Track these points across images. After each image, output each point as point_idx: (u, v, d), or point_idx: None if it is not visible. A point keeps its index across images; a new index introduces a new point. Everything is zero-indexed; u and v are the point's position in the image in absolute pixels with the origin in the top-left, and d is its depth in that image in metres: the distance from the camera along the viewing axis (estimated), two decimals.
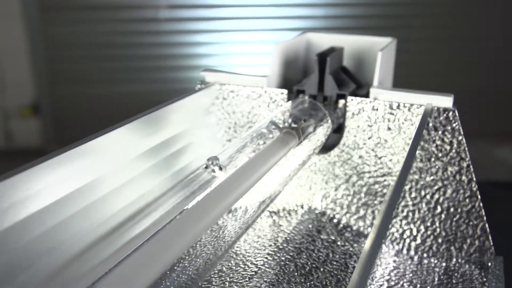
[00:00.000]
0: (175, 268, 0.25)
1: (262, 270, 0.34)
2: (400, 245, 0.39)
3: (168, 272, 0.24)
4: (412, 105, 0.37)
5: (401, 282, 0.35)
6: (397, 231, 0.39)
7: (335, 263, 0.36)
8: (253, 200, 0.30)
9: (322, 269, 0.35)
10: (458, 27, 1.61)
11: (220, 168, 0.26)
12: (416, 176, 0.38)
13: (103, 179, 0.30)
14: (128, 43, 1.63)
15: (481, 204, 0.37)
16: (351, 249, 0.38)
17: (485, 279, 0.36)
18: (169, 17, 1.60)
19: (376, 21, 1.59)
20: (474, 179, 0.37)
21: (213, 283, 0.33)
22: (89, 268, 0.26)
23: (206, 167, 0.26)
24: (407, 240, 0.39)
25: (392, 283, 0.35)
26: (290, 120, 0.36)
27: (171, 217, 0.25)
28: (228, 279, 0.34)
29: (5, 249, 0.24)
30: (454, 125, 0.36)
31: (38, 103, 1.70)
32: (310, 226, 0.40)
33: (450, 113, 0.36)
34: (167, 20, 1.60)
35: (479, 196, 0.37)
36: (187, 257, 0.25)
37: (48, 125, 1.70)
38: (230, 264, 0.35)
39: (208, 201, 0.25)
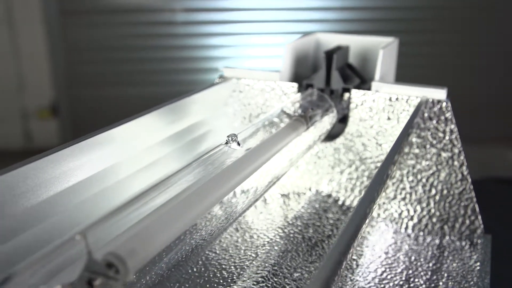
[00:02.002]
0: (194, 228, 0.30)
1: (273, 241, 0.40)
2: (399, 224, 0.44)
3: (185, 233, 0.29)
4: (409, 97, 0.42)
5: (398, 255, 0.40)
6: (396, 211, 0.44)
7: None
8: (263, 177, 0.35)
9: (326, 242, 0.40)
10: (467, 31, 1.65)
11: (238, 144, 0.32)
12: (413, 162, 0.43)
13: (133, 158, 0.36)
14: (144, 46, 1.69)
15: (471, 187, 0.42)
16: None
17: (473, 253, 0.40)
18: (185, 20, 1.66)
19: (384, 25, 1.64)
20: (465, 164, 0.42)
21: (229, 251, 0.39)
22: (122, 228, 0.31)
23: (226, 143, 0.32)
24: (405, 220, 0.44)
25: (389, 255, 0.40)
26: (299, 109, 0.41)
27: (197, 185, 0.31)
28: (243, 248, 0.39)
29: (55, 210, 0.29)
30: (447, 115, 0.41)
31: (57, 104, 1.77)
32: (317, 206, 0.45)
33: (444, 104, 0.41)
34: (183, 23, 1.66)
35: (469, 179, 0.42)
36: (202, 223, 0.31)
37: (66, 126, 1.76)
38: (245, 236, 0.41)
39: (226, 173, 0.30)
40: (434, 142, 0.42)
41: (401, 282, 0.37)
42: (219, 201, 0.29)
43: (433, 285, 0.37)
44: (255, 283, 0.35)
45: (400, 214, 0.44)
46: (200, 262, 0.37)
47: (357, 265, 0.38)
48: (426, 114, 0.42)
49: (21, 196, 0.27)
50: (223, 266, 0.37)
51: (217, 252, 0.39)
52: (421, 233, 0.43)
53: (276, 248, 0.39)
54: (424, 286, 0.36)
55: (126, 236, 0.23)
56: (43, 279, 0.21)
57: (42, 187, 0.29)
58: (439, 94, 0.41)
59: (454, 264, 0.39)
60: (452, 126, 0.41)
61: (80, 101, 1.74)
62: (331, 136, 0.45)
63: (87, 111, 1.74)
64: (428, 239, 0.43)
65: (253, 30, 1.65)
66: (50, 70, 1.74)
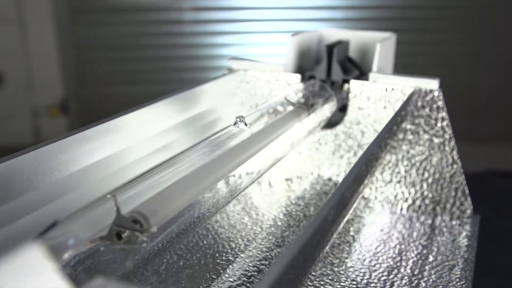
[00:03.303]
0: (201, 200, 0.34)
1: (277, 217, 0.44)
2: (394, 206, 0.48)
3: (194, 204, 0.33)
4: (404, 87, 0.46)
5: (392, 232, 0.44)
6: (392, 193, 0.48)
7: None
8: (266, 157, 0.39)
9: None
10: (472, 31, 1.68)
11: (245, 124, 0.36)
12: (407, 147, 0.47)
13: (148, 140, 0.40)
14: (152, 44, 1.74)
15: (462, 170, 0.46)
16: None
17: (462, 231, 0.44)
18: (192, 19, 1.71)
19: (390, 24, 1.67)
20: (456, 149, 0.46)
21: (237, 226, 0.43)
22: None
23: (235, 123, 0.36)
24: (400, 201, 0.48)
25: (384, 232, 0.44)
26: (302, 98, 0.45)
27: (209, 159, 0.35)
28: (249, 224, 0.43)
29: (83, 182, 0.34)
30: (439, 103, 0.45)
31: (66, 102, 1.82)
32: (318, 188, 0.49)
33: (435, 93, 0.45)
34: (190, 22, 1.71)
35: (459, 163, 0.46)
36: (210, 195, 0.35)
37: (75, 123, 1.81)
38: (251, 214, 0.45)
39: (235, 151, 0.35)
40: (427, 128, 0.46)
41: (393, 255, 0.41)
42: (228, 174, 0.33)
43: (423, 257, 0.41)
44: (260, 252, 0.39)
45: (395, 196, 0.48)
46: (210, 236, 0.41)
47: (354, 240, 0.42)
48: (419, 103, 0.46)
49: (54, 168, 0.32)
50: (231, 239, 0.41)
51: (226, 228, 0.43)
52: (415, 214, 0.47)
53: (279, 224, 0.43)
54: (415, 258, 0.40)
55: (148, 198, 0.27)
56: (79, 232, 0.25)
57: (71, 162, 0.33)
58: (432, 84, 0.45)
59: (444, 240, 0.43)
60: (444, 114, 0.45)
61: (89, 99, 1.79)
62: (331, 124, 0.49)
63: (96, 108, 1.79)
64: (421, 218, 0.46)
65: (260, 28, 1.69)
66: (59, 69, 1.79)
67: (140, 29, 1.73)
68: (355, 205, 0.36)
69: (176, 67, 1.75)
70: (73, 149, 0.34)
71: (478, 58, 1.69)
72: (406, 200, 0.48)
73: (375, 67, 0.48)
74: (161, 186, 0.29)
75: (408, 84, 0.46)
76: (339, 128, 0.49)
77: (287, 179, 0.51)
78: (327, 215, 0.25)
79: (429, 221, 0.46)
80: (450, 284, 0.38)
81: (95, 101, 1.79)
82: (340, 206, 0.29)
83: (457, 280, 0.38)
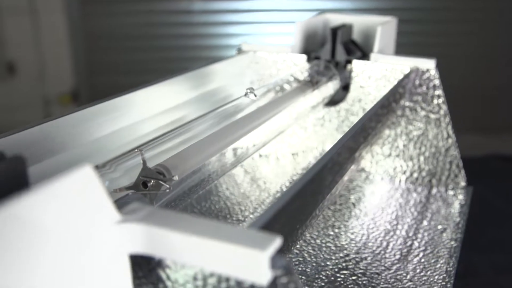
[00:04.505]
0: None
1: (284, 185, 0.48)
2: (393, 178, 0.52)
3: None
4: (403, 66, 0.50)
5: (390, 201, 0.48)
6: (391, 167, 0.52)
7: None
8: (272, 127, 0.43)
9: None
10: (481, 22, 1.71)
11: (255, 95, 0.40)
12: (406, 123, 0.51)
13: (162, 113, 0.44)
14: (162, 34, 1.78)
15: (456, 144, 0.50)
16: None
17: (456, 200, 0.48)
18: (202, 9, 1.75)
19: (400, 14, 1.70)
20: (451, 124, 0.50)
21: (246, 193, 0.47)
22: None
23: (245, 94, 0.40)
24: (399, 174, 0.52)
25: (383, 200, 0.48)
26: (307, 76, 0.49)
27: (220, 126, 0.39)
28: (257, 191, 0.47)
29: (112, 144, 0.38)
30: (435, 82, 0.49)
31: (77, 91, 1.87)
32: None
33: (432, 72, 0.49)
34: (200, 12, 1.75)
35: (454, 138, 0.50)
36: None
37: None
38: (259, 184, 0.49)
39: (245, 119, 0.39)
40: (424, 105, 0.50)
41: (390, 220, 0.45)
42: (237, 141, 0.38)
43: (418, 222, 0.45)
44: None
45: (394, 169, 0.52)
46: (222, 202, 0.46)
47: (354, 206, 0.46)
48: (417, 82, 0.50)
49: (90, 129, 0.36)
50: (241, 204, 0.45)
51: (236, 195, 0.47)
52: (412, 185, 0.51)
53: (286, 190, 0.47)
54: (410, 222, 0.45)
55: (169, 157, 0.32)
56: (112, 179, 0.29)
57: (95, 129, 0.38)
58: (429, 64, 0.49)
59: (438, 207, 0.47)
60: (440, 92, 0.49)
61: (99, 88, 1.84)
62: (335, 101, 0.53)
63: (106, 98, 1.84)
64: (418, 189, 0.51)
65: (270, 19, 1.73)
66: (70, 58, 1.84)
67: (150, 18, 1.77)
68: (350, 172, 0.41)
69: (186, 56, 1.79)
70: (93, 119, 0.38)
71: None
72: (404, 172, 0.52)
73: (376, 48, 0.52)
74: (180, 146, 0.33)
75: (407, 64, 0.50)
76: (342, 105, 0.53)
77: (293, 154, 0.55)
78: (327, 162, 0.29)
79: (425, 192, 0.50)
80: (441, 245, 0.42)
81: (106, 89, 1.84)
82: (344, 151, 0.33)
83: (448, 241, 0.42)
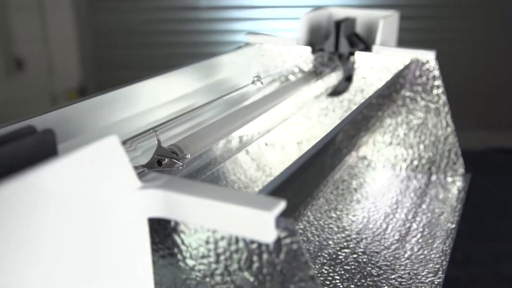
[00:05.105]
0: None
1: None
2: (394, 165, 0.54)
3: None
4: (404, 58, 0.52)
5: (390, 187, 0.51)
6: (392, 155, 0.54)
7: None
8: (277, 113, 0.46)
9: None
10: (489, 18, 1.73)
11: (261, 83, 0.42)
12: (406, 112, 0.53)
13: (169, 103, 0.47)
14: (169, 30, 1.81)
15: (455, 133, 0.52)
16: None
17: (453, 186, 0.51)
18: (209, 5, 1.77)
19: (404, 11, 1.72)
20: (450, 113, 0.52)
21: (252, 178, 0.50)
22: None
23: (253, 82, 0.42)
24: (400, 162, 0.54)
25: (384, 186, 0.50)
26: (311, 67, 0.52)
27: (229, 111, 0.41)
28: (264, 176, 0.50)
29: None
30: (435, 72, 0.51)
31: (84, 87, 1.90)
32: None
33: (431, 63, 0.51)
34: (207, 8, 1.77)
35: (453, 127, 0.52)
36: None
37: None
38: (265, 170, 0.51)
39: (252, 106, 0.41)
40: (424, 95, 0.52)
41: (391, 204, 0.47)
42: (245, 125, 0.40)
43: (417, 206, 0.47)
44: None
45: (395, 157, 0.54)
46: (229, 186, 0.48)
47: (356, 191, 0.49)
48: (417, 72, 0.52)
49: (101, 117, 0.39)
50: (247, 187, 0.48)
51: (242, 180, 0.50)
52: (412, 173, 0.54)
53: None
54: (409, 207, 0.47)
55: (182, 137, 0.34)
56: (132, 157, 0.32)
57: (107, 115, 0.40)
58: (428, 55, 0.51)
59: (437, 192, 0.49)
60: (439, 82, 0.51)
61: (106, 83, 1.87)
62: (338, 92, 0.56)
63: None
64: (418, 176, 0.53)
65: (277, 15, 1.75)
66: (78, 54, 1.87)
67: (157, 15, 1.80)
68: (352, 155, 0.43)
69: (192, 52, 1.82)
70: (103, 107, 0.40)
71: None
72: (405, 160, 0.54)
73: (378, 40, 0.54)
74: (191, 129, 0.36)
75: (408, 55, 0.52)
76: (345, 95, 0.56)
77: (298, 142, 0.58)
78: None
79: (425, 179, 0.53)
80: (439, 226, 0.44)
81: (113, 85, 1.87)
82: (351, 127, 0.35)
83: (445, 223, 0.44)
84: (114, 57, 1.85)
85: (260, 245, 0.23)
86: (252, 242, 0.23)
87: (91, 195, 0.22)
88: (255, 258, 0.23)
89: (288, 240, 0.22)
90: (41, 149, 0.23)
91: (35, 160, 0.22)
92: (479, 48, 1.72)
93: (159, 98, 0.46)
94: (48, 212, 0.20)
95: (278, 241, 0.22)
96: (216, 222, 0.23)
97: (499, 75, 1.72)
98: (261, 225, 0.22)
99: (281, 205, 0.22)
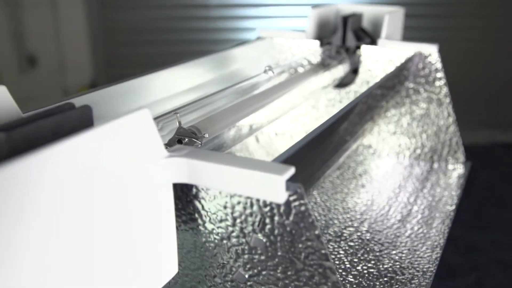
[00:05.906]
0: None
1: None
2: (398, 154, 0.57)
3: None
4: (408, 51, 0.55)
5: (393, 173, 0.54)
6: (395, 143, 0.58)
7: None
8: (286, 102, 0.49)
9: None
10: (492, 17, 1.75)
11: (273, 72, 0.46)
12: (409, 103, 0.56)
13: (186, 91, 0.50)
14: (179, 28, 1.85)
15: (456, 123, 0.55)
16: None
17: (454, 173, 0.54)
18: (218, 3, 1.81)
19: (411, 9, 1.75)
20: (451, 104, 0.55)
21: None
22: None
23: (265, 71, 0.46)
24: (403, 150, 0.57)
25: (388, 172, 0.54)
26: (319, 59, 0.55)
27: (243, 98, 0.45)
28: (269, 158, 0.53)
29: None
30: (437, 65, 0.54)
31: (96, 83, 1.94)
32: None
33: (434, 56, 0.54)
34: (216, 6, 1.81)
35: (454, 116, 0.55)
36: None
37: None
38: (274, 156, 0.55)
39: (264, 94, 0.45)
40: (427, 86, 0.55)
41: (394, 188, 0.50)
42: (256, 111, 0.43)
43: (419, 190, 0.50)
44: None
45: (399, 146, 0.58)
46: None
47: (361, 177, 0.52)
48: (420, 65, 0.55)
49: (128, 101, 0.42)
50: None
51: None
52: (416, 161, 0.57)
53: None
54: (412, 191, 0.50)
55: (201, 119, 0.38)
56: None
57: (126, 102, 0.44)
58: (431, 48, 0.55)
59: (438, 178, 0.52)
60: (441, 74, 0.54)
61: (117, 80, 1.91)
62: (345, 83, 0.59)
63: None
64: (421, 164, 0.56)
65: (286, 13, 1.79)
66: (89, 51, 1.91)
67: (167, 12, 1.84)
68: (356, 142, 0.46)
69: (202, 50, 1.85)
70: (117, 97, 0.44)
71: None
72: (408, 149, 0.57)
73: (383, 34, 0.58)
74: (208, 112, 0.39)
75: (411, 49, 0.55)
76: (352, 87, 0.59)
77: (306, 132, 0.61)
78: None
79: (427, 166, 0.56)
80: (438, 209, 0.47)
81: None
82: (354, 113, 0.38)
83: (444, 205, 0.47)
84: (125, 54, 1.89)
85: (272, 208, 0.26)
86: (265, 205, 0.26)
87: (125, 161, 0.25)
88: (267, 220, 0.26)
89: (296, 203, 0.26)
90: (80, 121, 0.27)
91: (76, 130, 0.26)
92: (483, 46, 1.75)
93: (171, 88, 0.49)
94: (89, 175, 0.23)
95: (288, 203, 0.26)
96: (234, 186, 0.26)
97: (503, 73, 1.74)
98: (273, 187, 0.25)
99: (291, 170, 0.25)
